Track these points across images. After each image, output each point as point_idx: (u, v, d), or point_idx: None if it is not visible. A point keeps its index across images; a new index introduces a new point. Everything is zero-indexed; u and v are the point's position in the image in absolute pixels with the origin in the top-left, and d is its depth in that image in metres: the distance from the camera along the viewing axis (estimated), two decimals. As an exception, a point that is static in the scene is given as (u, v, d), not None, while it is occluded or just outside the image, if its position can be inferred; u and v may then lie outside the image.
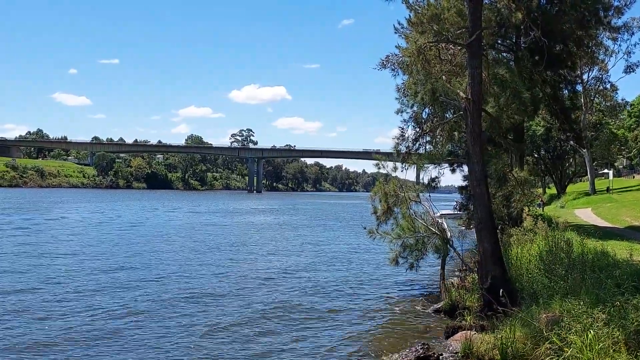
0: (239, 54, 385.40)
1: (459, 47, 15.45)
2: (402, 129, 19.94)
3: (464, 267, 20.05)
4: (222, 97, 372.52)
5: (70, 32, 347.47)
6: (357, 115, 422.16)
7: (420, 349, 11.85)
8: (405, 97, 21.73)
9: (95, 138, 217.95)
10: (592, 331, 9.17)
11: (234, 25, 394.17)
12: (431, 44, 15.38)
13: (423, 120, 19.98)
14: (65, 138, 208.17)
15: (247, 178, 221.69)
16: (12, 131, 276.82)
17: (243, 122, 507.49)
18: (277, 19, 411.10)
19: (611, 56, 54.16)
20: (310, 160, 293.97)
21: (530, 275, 14.73)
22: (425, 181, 22.36)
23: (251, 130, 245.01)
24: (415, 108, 20.82)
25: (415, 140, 19.53)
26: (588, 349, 8.95)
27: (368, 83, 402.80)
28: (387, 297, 19.49)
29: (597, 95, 61.94)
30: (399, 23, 22.29)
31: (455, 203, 30.24)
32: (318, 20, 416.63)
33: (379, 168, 20.90)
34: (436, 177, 22.40)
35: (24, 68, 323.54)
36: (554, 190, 72.31)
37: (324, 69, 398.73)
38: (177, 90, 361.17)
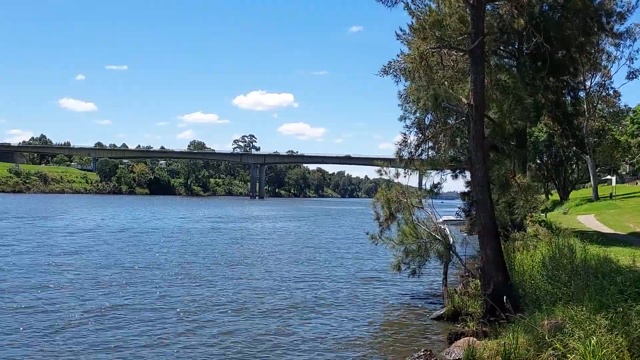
0: (247, 61, 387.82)
1: (461, 53, 15.49)
2: (405, 135, 19.97)
3: (467, 273, 19.98)
4: (228, 104, 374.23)
5: (78, 38, 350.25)
6: (363, 122, 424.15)
7: (423, 355, 11.84)
8: (407, 103, 21.80)
9: (99, 144, 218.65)
10: (595, 338, 9.14)
11: (242, 32, 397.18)
12: (433, 50, 15.42)
13: (425, 126, 19.99)
14: (69, 144, 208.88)
15: (249, 184, 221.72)
16: (18, 137, 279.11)
17: (249, 128, 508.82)
18: (286, 25, 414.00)
19: (614, 62, 54.57)
20: (312, 166, 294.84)
21: (533, 282, 14.70)
22: (428, 187, 22.34)
23: (254, 136, 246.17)
24: (417, 114, 20.87)
25: (418, 146, 19.50)
26: (591, 355, 8.91)
27: (374, 90, 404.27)
28: (390, 303, 19.45)
29: (599, 102, 62.01)
30: (401, 29, 22.47)
31: (457, 209, 30.21)
32: (326, 27, 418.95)
33: (382, 174, 20.89)
34: (439, 183, 22.37)
35: (31, 74, 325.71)
36: (556, 197, 72.15)
37: (331, 76, 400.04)
38: (184, 96, 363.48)
